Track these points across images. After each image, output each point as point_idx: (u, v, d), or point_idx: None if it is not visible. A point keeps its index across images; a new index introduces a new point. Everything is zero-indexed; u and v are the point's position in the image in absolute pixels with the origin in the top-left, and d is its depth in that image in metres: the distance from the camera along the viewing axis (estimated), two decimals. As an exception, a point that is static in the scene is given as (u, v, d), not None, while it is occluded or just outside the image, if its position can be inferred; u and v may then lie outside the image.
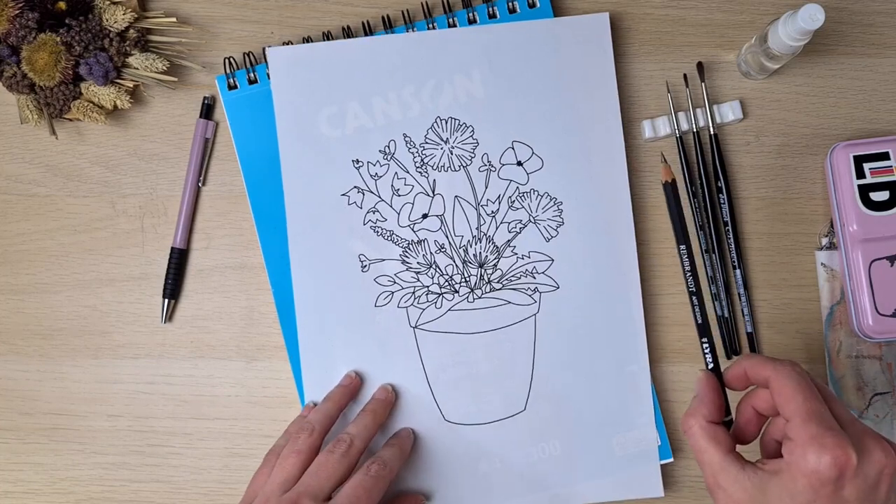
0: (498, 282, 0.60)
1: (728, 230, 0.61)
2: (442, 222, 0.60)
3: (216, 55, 0.62)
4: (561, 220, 0.60)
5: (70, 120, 0.62)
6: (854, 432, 0.43)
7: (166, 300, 0.61)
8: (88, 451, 0.61)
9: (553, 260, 0.60)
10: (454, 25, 0.61)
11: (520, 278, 0.60)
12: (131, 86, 0.60)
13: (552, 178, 0.60)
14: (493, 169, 0.60)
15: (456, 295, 0.60)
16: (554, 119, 0.60)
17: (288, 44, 0.61)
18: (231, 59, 0.61)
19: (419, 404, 0.59)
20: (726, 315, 0.61)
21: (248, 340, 0.61)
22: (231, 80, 0.61)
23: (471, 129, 0.60)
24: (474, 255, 0.60)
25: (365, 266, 0.60)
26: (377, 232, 0.60)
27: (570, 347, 0.60)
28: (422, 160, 0.60)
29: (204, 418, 0.61)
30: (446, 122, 0.60)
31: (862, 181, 0.58)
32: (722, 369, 0.51)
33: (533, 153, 0.61)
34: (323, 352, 0.59)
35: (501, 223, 0.60)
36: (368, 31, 0.62)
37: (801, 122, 0.62)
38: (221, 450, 0.61)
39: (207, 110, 0.62)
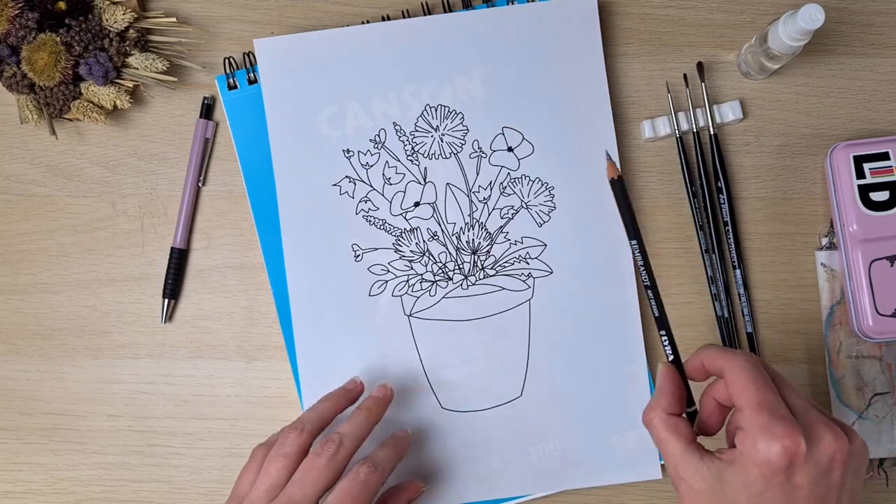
0: (491, 268, 0.60)
1: (728, 230, 0.61)
2: (434, 210, 0.60)
3: (216, 55, 0.62)
4: (553, 204, 0.60)
5: (70, 120, 0.62)
6: (806, 420, 0.43)
7: (166, 300, 0.61)
8: (88, 451, 0.61)
9: (546, 245, 0.60)
10: (454, 25, 0.61)
11: (513, 264, 0.60)
12: (131, 86, 0.60)
13: (543, 163, 0.60)
14: (483, 155, 0.60)
15: (450, 282, 0.60)
16: (544, 104, 0.61)
17: (287, 43, 0.61)
18: (231, 59, 0.61)
19: (415, 393, 0.60)
20: (726, 315, 0.61)
21: (248, 340, 0.61)
22: (231, 80, 0.61)
23: (461, 115, 0.61)
24: (467, 242, 0.60)
25: (358, 255, 0.60)
26: (370, 221, 0.60)
27: (564, 331, 0.60)
28: (412, 148, 0.60)
29: (204, 418, 0.61)
30: (436, 110, 0.61)
31: (862, 181, 0.58)
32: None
33: (523, 139, 0.61)
34: (318, 342, 0.60)
35: (494, 209, 0.60)
36: (368, 30, 0.62)
37: (801, 122, 0.62)
38: (221, 450, 0.61)
39: (207, 110, 0.62)
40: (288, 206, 0.60)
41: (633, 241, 0.49)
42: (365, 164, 0.60)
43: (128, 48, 0.60)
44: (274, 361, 0.61)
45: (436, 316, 0.60)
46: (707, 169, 0.61)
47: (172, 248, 0.61)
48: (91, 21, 0.58)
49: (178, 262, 0.61)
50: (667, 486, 0.60)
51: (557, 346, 0.60)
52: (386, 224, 0.60)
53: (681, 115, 0.62)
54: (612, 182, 0.49)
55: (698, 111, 0.62)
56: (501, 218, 0.60)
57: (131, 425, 0.61)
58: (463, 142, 0.61)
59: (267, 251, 0.61)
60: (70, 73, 0.59)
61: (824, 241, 0.61)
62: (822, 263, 0.61)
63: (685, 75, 0.62)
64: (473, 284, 0.60)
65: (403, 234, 0.60)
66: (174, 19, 0.61)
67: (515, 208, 0.60)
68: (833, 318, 0.61)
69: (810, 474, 0.42)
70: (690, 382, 0.49)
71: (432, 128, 0.61)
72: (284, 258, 0.60)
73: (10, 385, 0.61)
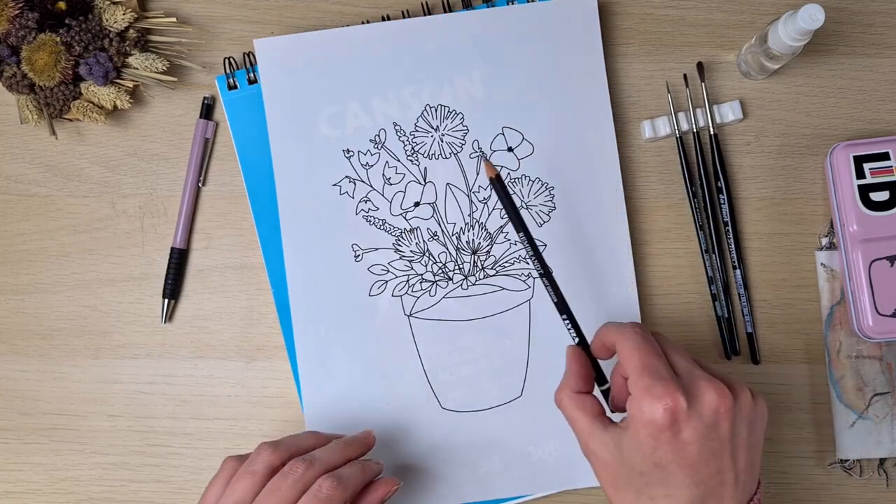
0: (491, 268, 0.60)
1: (728, 230, 0.61)
2: (434, 210, 0.60)
3: (216, 55, 0.62)
4: (553, 204, 0.60)
5: (70, 120, 0.62)
6: (688, 379, 0.46)
7: (166, 300, 0.61)
8: (88, 451, 0.61)
9: (546, 245, 0.60)
10: (454, 25, 0.61)
11: (513, 264, 0.60)
12: (131, 86, 0.60)
13: (543, 163, 0.60)
14: (483, 155, 0.60)
15: (450, 282, 0.60)
16: (544, 104, 0.61)
17: (287, 44, 0.61)
18: (231, 59, 0.61)
19: (416, 393, 0.60)
20: (726, 315, 0.61)
21: (248, 340, 0.61)
22: (231, 80, 0.61)
23: (461, 115, 0.61)
24: (467, 242, 0.60)
25: (358, 255, 0.60)
26: (370, 221, 0.60)
27: (565, 331, 0.60)
28: (412, 148, 0.60)
29: (204, 418, 0.61)
30: (436, 110, 0.61)
31: (862, 181, 0.58)
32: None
33: (523, 139, 0.61)
34: (318, 342, 0.59)
35: (494, 209, 0.60)
36: (368, 31, 0.62)
37: (801, 122, 0.62)
38: (221, 450, 0.61)
39: (207, 110, 0.62)
40: (288, 206, 0.60)
41: (521, 234, 0.51)
42: (365, 164, 0.60)
43: (128, 48, 0.60)
44: (274, 361, 0.61)
45: (436, 316, 0.60)
46: (707, 169, 0.61)
47: (172, 248, 0.61)
48: (91, 21, 0.58)
49: (178, 262, 0.61)
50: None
51: (557, 346, 0.60)
52: (386, 224, 0.60)
53: (681, 115, 0.62)
54: (492, 181, 0.51)
55: (698, 111, 0.62)
56: (501, 218, 0.60)
57: (131, 425, 0.61)
58: (463, 142, 0.61)
59: (267, 251, 0.61)
60: (70, 73, 0.59)
61: (824, 241, 0.61)
62: (822, 263, 0.61)
63: (685, 75, 0.62)
64: (473, 284, 0.60)
65: (403, 234, 0.60)
66: (174, 19, 0.61)
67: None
68: (833, 318, 0.61)
69: (697, 429, 0.44)
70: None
71: (432, 128, 0.61)
72: (284, 258, 0.60)
73: (10, 385, 0.61)
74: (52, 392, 0.61)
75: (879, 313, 0.57)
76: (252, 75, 0.61)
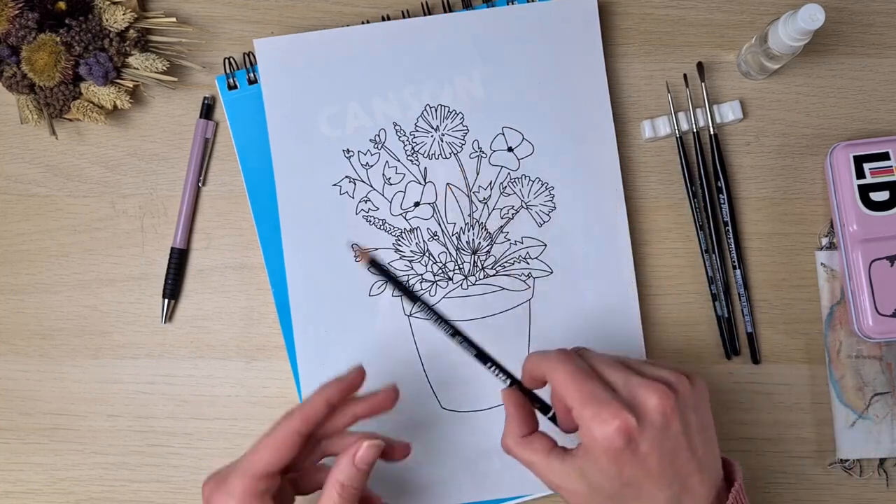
0: (491, 268, 0.60)
1: (728, 230, 0.61)
2: (434, 210, 0.60)
3: (216, 55, 0.62)
4: (553, 204, 0.60)
5: (70, 120, 0.62)
6: (627, 391, 0.45)
7: (166, 300, 0.61)
8: (88, 451, 0.61)
9: (546, 245, 0.60)
10: (454, 25, 0.61)
11: (513, 264, 0.60)
12: (131, 86, 0.60)
13: (543, 163, 0.60)
14: (483, 155, 0.61)
15: (450, 282, 0.60)
16: (544, 104, 0.61)
17: (287, 44, 0.61)
18: (231, 59, 0.61)
19: (416, 393, 0.60)
20: (726, 315, 0.61)
21: (248, 340, 0.61)
22: (231, 80, 0.61)
23: (461, 115, 0.61)
24: (467, 242, 0.60)
25: (358, 256, 0.60)
26: (369, 221, 0.60)
27: (564, 331, 0.60)
28: (412, 148, 0.60)
29: (204, 418, 0.61)
30: (436, 110, 0.61)
31: (862, 181, 0.58)
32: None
33: (523, 138, 0.61)
34: (318, 342, 0.59)
35: (494, 209, 0.60)
36: (368, 31, 0.62)
37: (801, 122, 0.62)
38: (221, 450, 0.61)
39: (207, 110, 0.62)
40: (288, 206, 0.60)
41: (417, 304, 0.49)
42: (365, 164, 0.60)
43: (128, 48, 0.60)
44: (274, 361, 0.61)
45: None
46: (707, 169, 0.61)
47: (172, 248, 0.61)
48: (91, 21, 0.58)
49: (178, 262, 0.61)
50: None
51: (557, 346, 0.59)
52: (386, 224, 0.60)
53: (681, 115, 0.62)
54: (369, 267, 0.48)
55: (698, 111, 0.62)
56: (501, 218, 0.60)
57: (131, 425, 0.61)
58: (463, 142, 0.61)
59: (267, 251, 0.61)
60: (70, 73, 0.59)
61: (824, 241, 0.61)
62: (822, 263, 0.61)
63: (685, 75, 0.62)
64: (473, 284, 0.60)
65: (403, 234, 0.60)
66: (174, 19, 0.61)
67: (515, 208, 0.60)
68: (833, 318, 0.61)
69: (652, 438, 0.44)
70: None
71: (432, 128, 0.61)
72: (284, 258, 0.60)
73: (10, 385, 0.61)
74: (52, 392, 0.61)
75: (879, 313, 0.57)
76: (252, 75, 0.61)
